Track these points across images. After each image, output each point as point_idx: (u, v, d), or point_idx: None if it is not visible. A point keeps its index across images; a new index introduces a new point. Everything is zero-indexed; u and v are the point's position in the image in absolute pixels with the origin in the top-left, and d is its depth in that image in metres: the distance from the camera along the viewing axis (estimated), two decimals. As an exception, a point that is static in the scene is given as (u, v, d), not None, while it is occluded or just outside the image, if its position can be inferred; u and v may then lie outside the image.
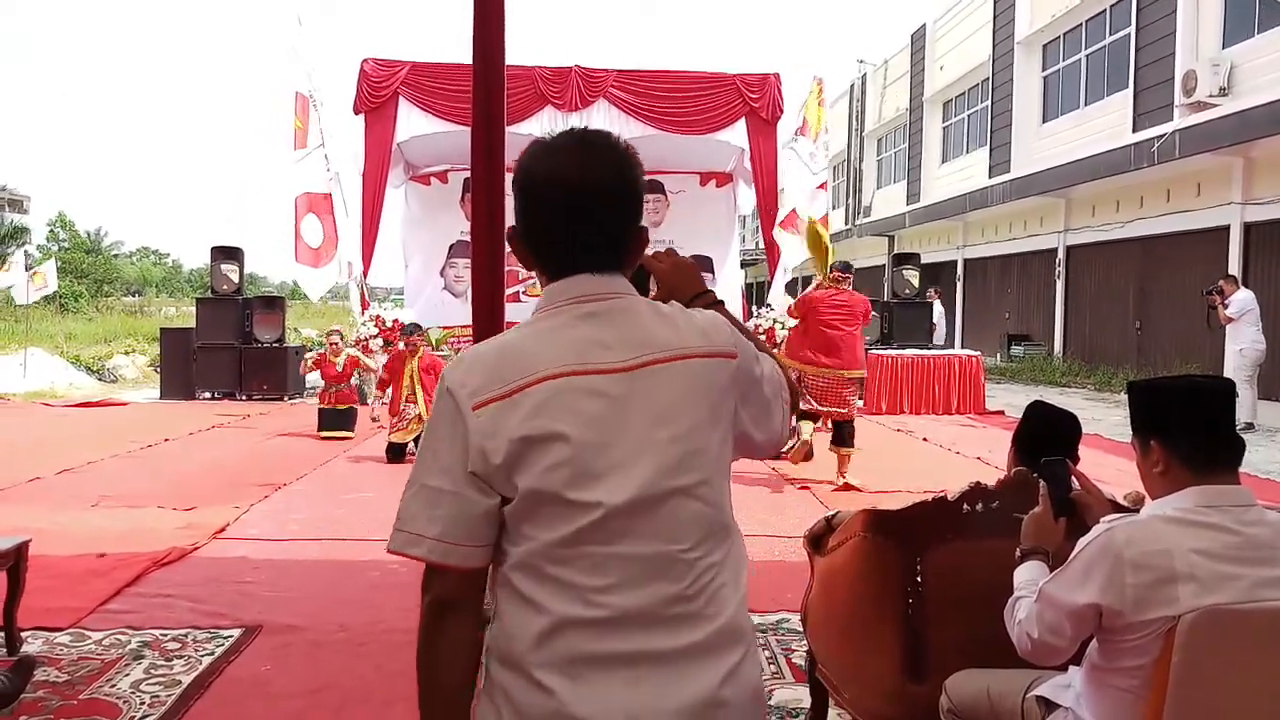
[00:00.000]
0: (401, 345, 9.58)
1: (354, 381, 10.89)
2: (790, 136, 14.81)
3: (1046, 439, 2.49)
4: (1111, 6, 19.14)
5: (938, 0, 27.44)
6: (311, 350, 15.19)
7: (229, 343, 13.83)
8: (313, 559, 5.47)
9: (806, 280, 35.83)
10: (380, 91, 14.62)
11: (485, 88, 4.50)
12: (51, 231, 49.41)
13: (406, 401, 8.92)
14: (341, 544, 5.71)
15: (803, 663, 3.60)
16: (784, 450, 7.65)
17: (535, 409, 1.29)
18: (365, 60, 14.78)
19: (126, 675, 3.69)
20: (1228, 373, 11.73)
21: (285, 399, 13.77)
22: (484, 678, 1.36)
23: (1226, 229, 14.72)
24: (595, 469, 1.29)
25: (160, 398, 14.05)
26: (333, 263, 14.02)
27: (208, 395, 13.83)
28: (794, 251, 14.99)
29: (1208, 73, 14.85)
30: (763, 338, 10.43)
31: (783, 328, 14.31)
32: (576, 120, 14.76)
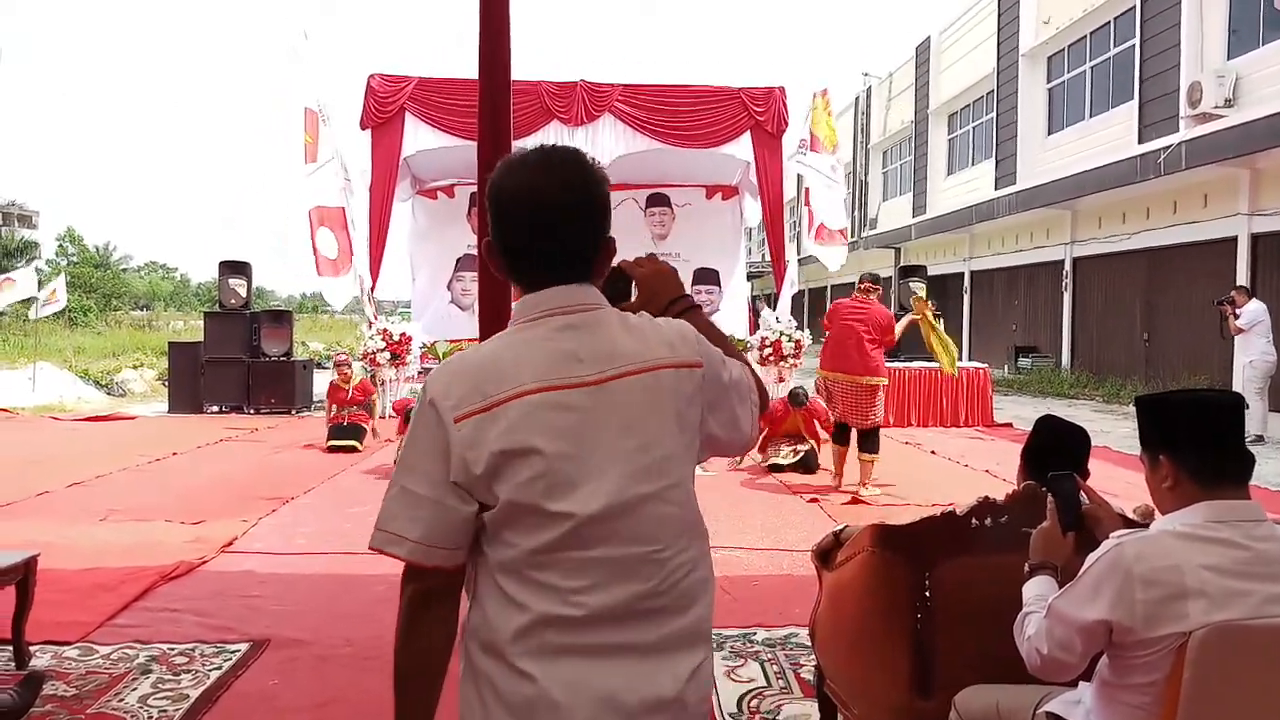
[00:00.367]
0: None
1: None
2: (795, 149, 14.82)
3: (1056, 453, 2.49)
4: (1116, 18, 19.17)
5: (942, 13, 27.51)
6: (320, 363, 15.24)
7: (237, 356, 13.87)
8: (320, 573, 5.47)
9: (818, 293, 35.82)
10: (387, 107, 14.69)
11: (491, 103, 4.52)
12: (60, 246, 49.64)
13: None
14: (349, 558, 5.70)
15: (811, 677, 3.58)
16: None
17: (512, 424, 1.36)
18: (372, 76, 14.85)
19: (134, 690, 3.69)
20: (1237, 385, 11.70)
21: (293, 412, 13.80)
22: (464, 663, 1.44)
23: (1234, 240, 14.70)
24: (569, 480, 1.36)
25: (168, 411, 14.08)
26: (350, 274, 14.10)
27: (215, 409, 13.87)
28: (834, 260, 15.24)
29: (1213, 84, 14.85)
30: (769, 351, 10.51)
31: (789, 340, 14.32)
32: (582, 135, 14.81)
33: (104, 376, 17.35)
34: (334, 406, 10.56)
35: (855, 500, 7.54)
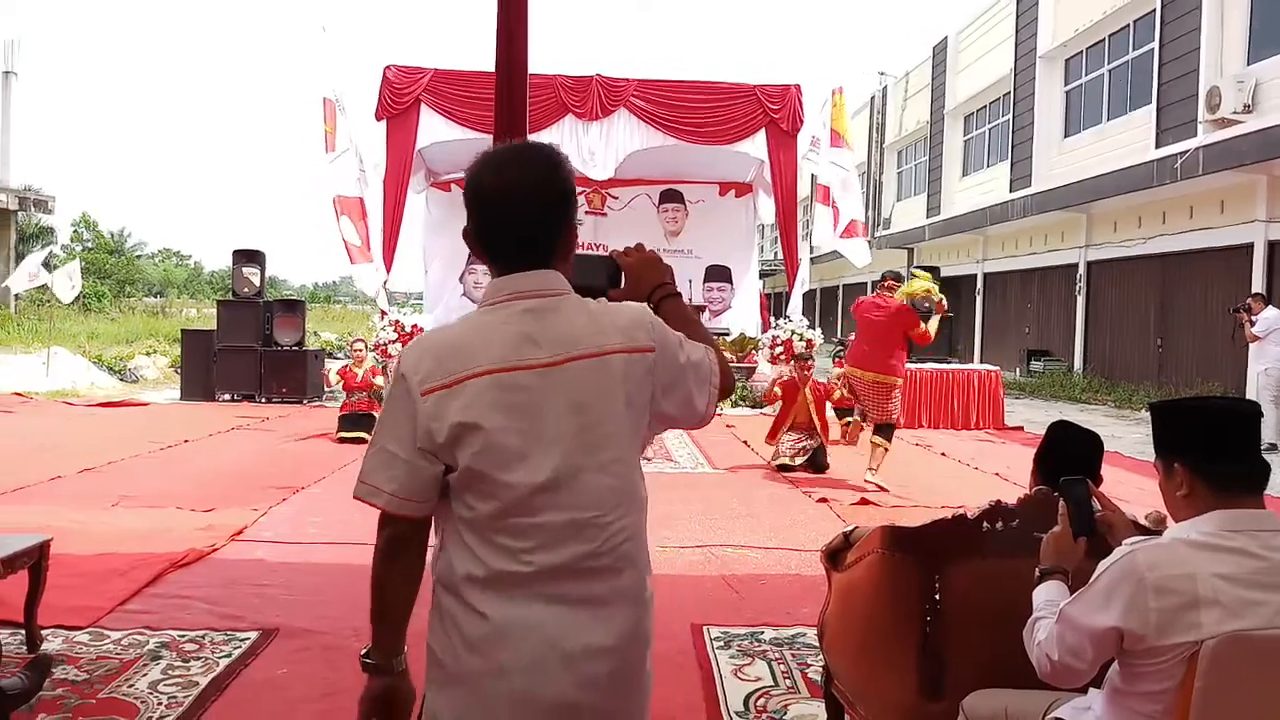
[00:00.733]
0: None
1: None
2: (809, 146, 14.76)
3: (1068, 458, 2.48)
4: (1135, 21, 19.05)
5: (960, 13, 27.41)
6: (332, 353, 15.28)
7: (249, 345, 13.93)
8: (330, 562, 5.49)
9: (830, 292, 35.76)
10: (402, 98, 14.72)
11: (508, 96, 4.53)
12: (76, 232, 49.77)
13: None
14: (359, 548, 5.70)
15: (819, 678, 3.58)
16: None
17: (469, 400, 1.53)
18: (388, 67, 14.89)
19: (144, 675, 3.71)
20: (1251, 392, 11.64)
21: (304, 402, 13.85)
22: (434, 598, 1.63)
23: (1250, 247, 14.62)
24: (518, 452, 1.54)
25: (180, 399, 14.15)
26: (373, 262, 14.19)
27: (227, 397, 13.93)
28: (860, 256, 15.22)
29: (1232, 89, 14.75)
30: (779, 350, 10.48)
31: (801, 339, 14.30)
32: (597, 129, 14.83)
33: (117, 363, 17.43)
34: (346, 394, 10.65)
35: (864, 501, 7.54)
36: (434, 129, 14.92)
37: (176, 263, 66.60)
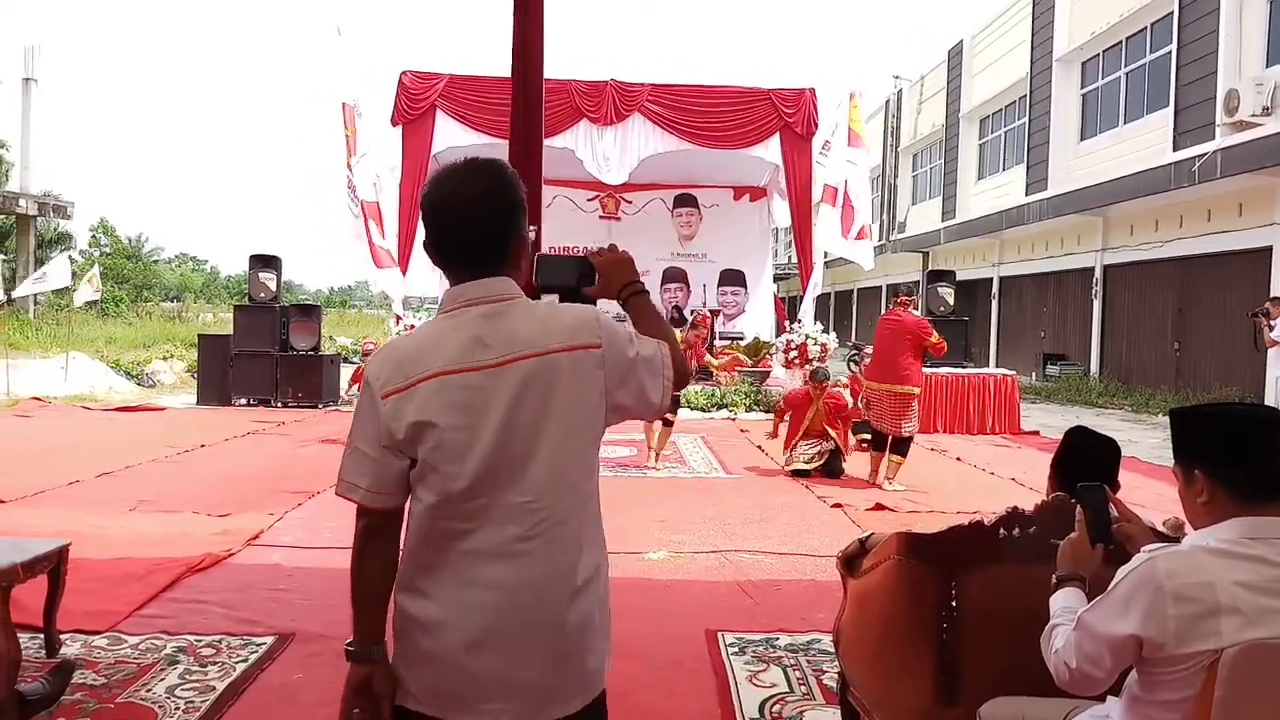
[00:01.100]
0: None
1: None
2: (820, 150, 14.69)
3: (1086, 464, 2.47)
4: (1152, 24, 18.96)
5: (976, 16, 27.32)
6: (347, 358, 15.33)
7: (266, 350, 13.99)
8: (345, 567, 5.44)
9: (844, 296, 35.69)
10: (418, 104, 14.78)
11: (524, 102, 4.55)
12: (94, 237, 50.13)
13: None
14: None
15: (834, 684, 3.58)
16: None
17: (422, 401, 1.68)
18: (404, 73, 14.95)
19: (162, 680, 3.73)
20: (1270, 398, 11.57)
21: (320, 406, 13.90)
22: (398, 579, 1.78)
23: (1269, 250, 14.52)
24: (464, 446, 1.68)
25: (197, 403, 14.23)
26: (395, 267, 14.27)
27: (244, 401, 14.00)
28: (867, 260, 15.21)
29: (1250, 92, 14.65)
30: (794, 354, 10.46)
31: (815, 343, 14.27)
32: (611, 134, 14.84)
33: (134, 367, 17.55)
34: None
35: (879, 507, 7.51)
36: (450, 134, 14.97)
37: (193, 267, 67.01)
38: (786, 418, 9.34)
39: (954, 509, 7.18)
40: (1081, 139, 21.72)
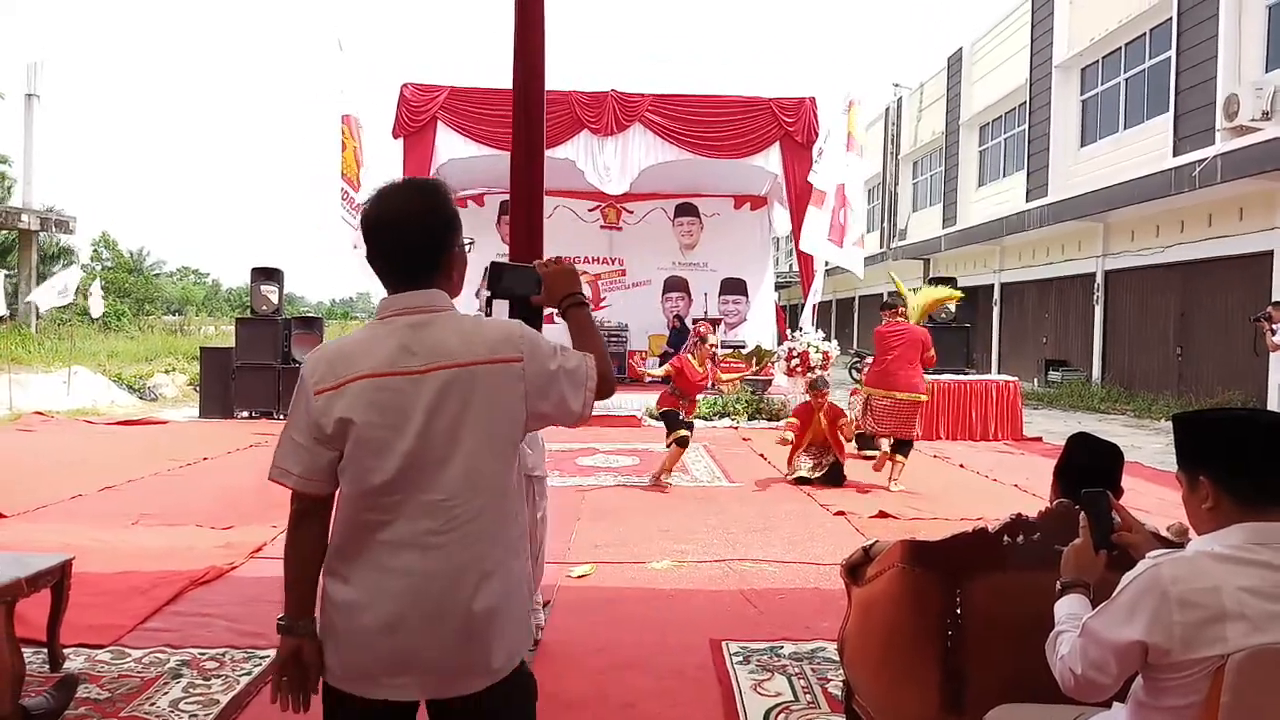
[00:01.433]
0: None
1: None
2: (825, 153, 14.61)
3: (1089, 470, 2.46)
4: (1151, 30, 19.01)
5: (975, 24, 27.39)
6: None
7: (268, 362, 13.99)
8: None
9: (846, 304, 35.68)
10: (419, 116, 14.81)
11: (525, 112, 4.55)
12: (96, 251, 50.23)
13: None
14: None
15: (839, 693, 3.56)
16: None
17: (349, 400, 1.82)
18: (404, 85, 14.99)
19: (165, 694, 3.72)
20: (1273, 402, 11.55)
21: (322, 419, 13.86)
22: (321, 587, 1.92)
23: (1270, 254, 14.52)
24: (385, 443, 1.82)
25: (199, 416, 14.23)
26: None
27: (246, 414, 14.00)
28: (861, 265, 15.18)
29: (1250, 97, 14.68)
30: (795, 362, 10.41)
31: (816, 350, 14.25)
32: (612, 145, 14.86)
33: (137, 381, 17.55)
34: None
35: (883, 514, 7.50)
36: (451, 146, 15.00)
37: (195, 281, 67.13)
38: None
39: (957, 516, 7.18)
40: (1082, 145, 21.75)
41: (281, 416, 13.90)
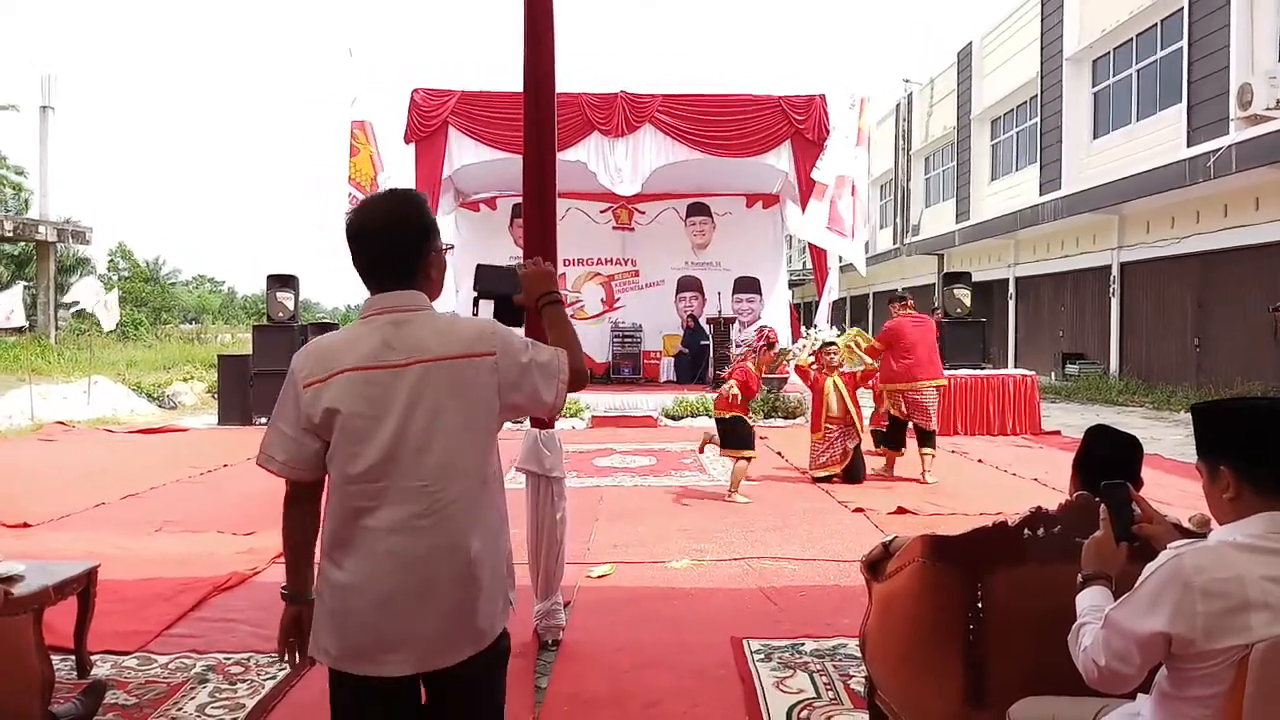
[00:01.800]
0: None
1: None
2: (838, 147, 14.54)
3: (1108, 463, 2.46)
4: (1163, 20, 18.91)
5: (984, 18, 27.31)
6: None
7: (285, 369, 13.90)
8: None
9: (860, 300, 35.54)
10: (430, 121, 14.85)
11: (536, 115, 4.57)
12: (112, 261, 50.59)
13: None
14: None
15: (861, 689, 3.57)
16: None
17: (335, 392, 1.97)
18: (415, 90, 15.03)
19: (192, 699, 3.76)
20: (1292, 391, 11.46)
21: (339, 424, 13.92)
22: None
23: (1287, 243, 14.43)
24: (367, 432, 1.96)
25: (218, 423, 14.32)
26: None
27: (264, 420, 14.02)
28: (859, 259, 15.11)
29: (1264, 85, 14.58)
30: (810, 360, 10.49)
31: (831, 345, 14.19)
32: (623, 146, 14.86)
33: (156, 389, 17.66)
34: None
35: (902, 510, 7.49)
36: (462, 150, 15.04)
37: (211, 289, 67.54)
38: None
39: (977, 511, 7.15)
40: (1094, 137, 21.65)
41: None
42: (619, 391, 15.88)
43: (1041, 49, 23.03)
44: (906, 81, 33.52)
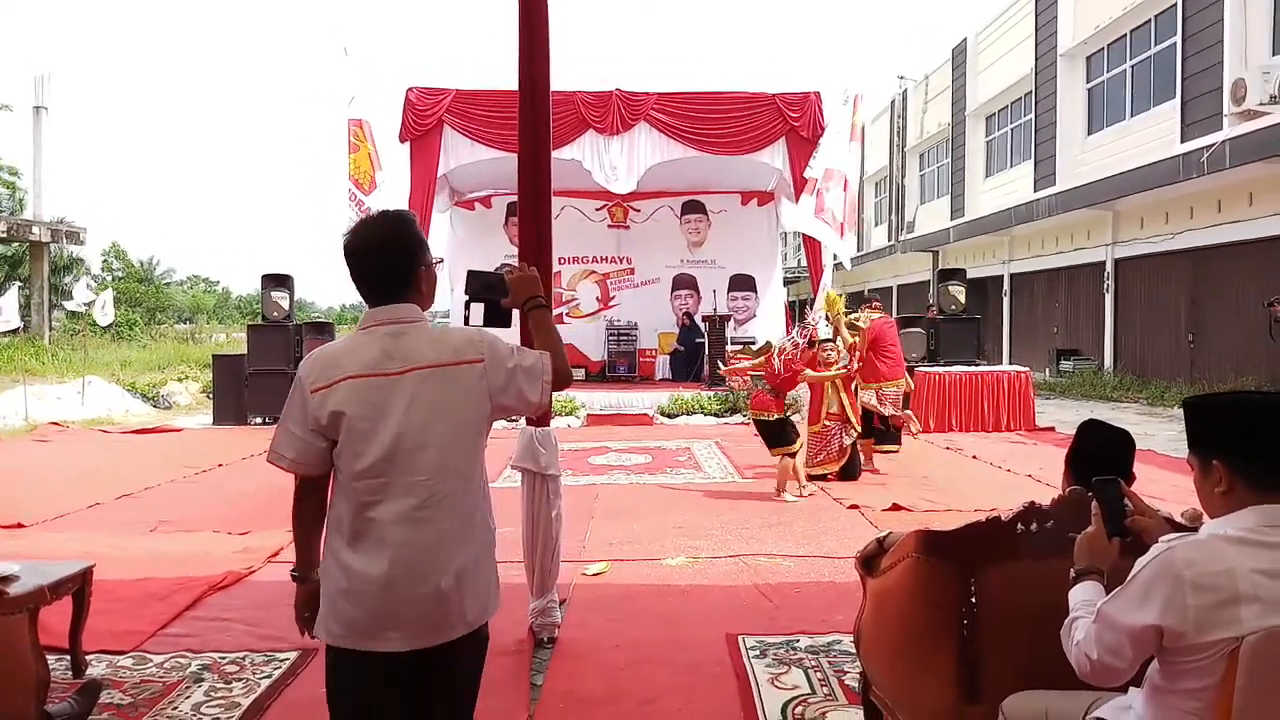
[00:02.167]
0: None
1: None
2: (820, 147, 14.46)
3: (1100, 458, 2.47)
4: (1156, 16, 18.94)
5: (979, 14, 27.32)
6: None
7: (280, 368, 14.00)
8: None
9: (854, 298, 35.65)
10: (425, 119, 14.81)
11: (531, 114, 4.57)
12: (106, 262, 50.44)
13: None
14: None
15: (856, 685, 3.58)
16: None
17: (340, 397, 2.18)
18: (410, 89, 14.99)
19: (187, 698, 3.76)
20: (1286, 386, 11.49)
21: (334, 423, 13.90)
22: (325, 546, 2.29)
23: (1280, 239, 14.46)
24: (370, 433, 2.17)
25: (213, 423, 14.30)
26: None
27: (259, 420, 14.05)
28: (846, 253, 15.00)
29: (1258, 81, 14.61)
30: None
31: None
32: (618, 144, 14.84)
33: (150, 389, 17.62)
34: None
35: (896, 507, 7.50)
36: (457, 149, 15.00)
37: (205, 289, 67.38)
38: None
39: (971, 507, 7.16)
40: (1089, 133, 21.67)
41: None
42: (614, 389, 15.88)
43: (1036, 45, 23.05)
44: (901, 78, 33.54)
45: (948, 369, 13.16)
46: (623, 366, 17.70)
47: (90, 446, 11.87)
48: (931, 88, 31.21)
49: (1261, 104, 14.48)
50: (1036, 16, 22.96)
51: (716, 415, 14.15)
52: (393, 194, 14.28)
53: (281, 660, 4.16)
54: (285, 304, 14.56)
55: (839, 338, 9.01)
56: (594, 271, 18.95)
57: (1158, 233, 17.86)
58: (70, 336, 24.68)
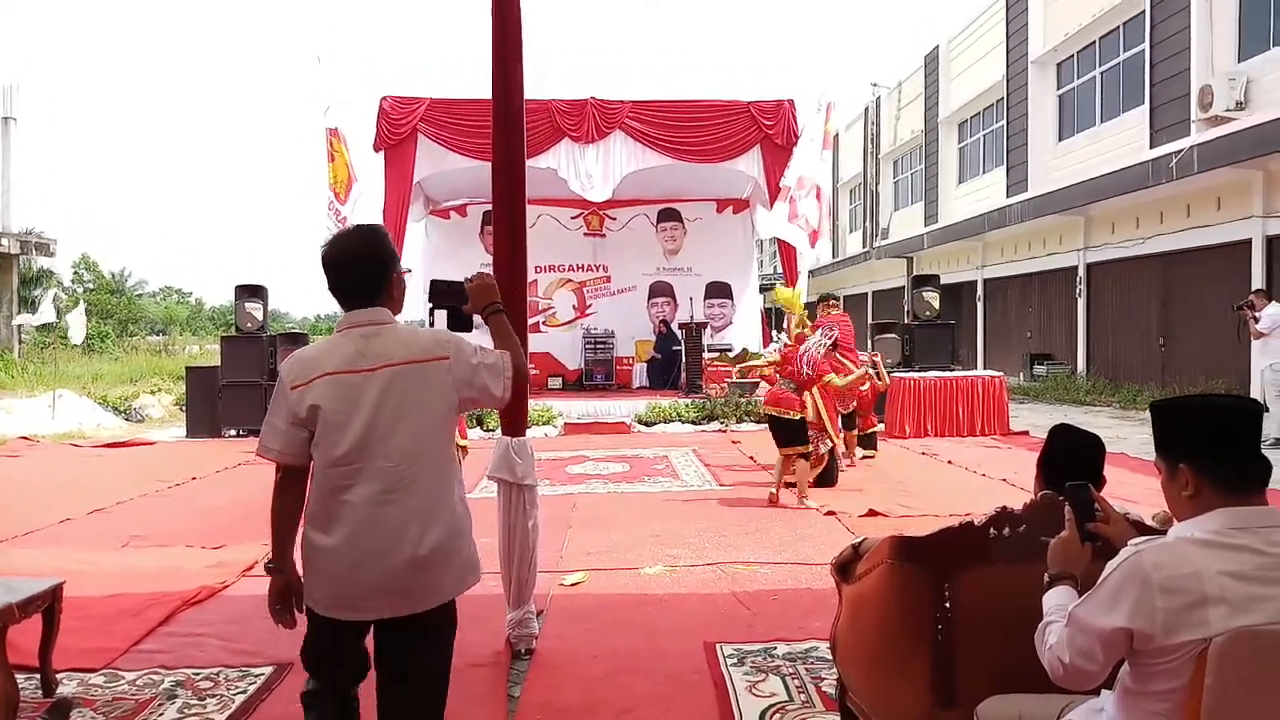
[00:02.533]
0: None
1: None
2: (794, 157, 14.54)
3: (1070, 463, 2.49)
4: (1124, 24, 19.16)
5: (950, 22, 27.55)
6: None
7: (254, 380, 13.90)
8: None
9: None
10: (399, 128, 14.78)
11: (505, 123, 4.57)
12: (77, 274, 49.82)
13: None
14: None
15: (833, 691, 3.58)
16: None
17: (318, 392, 2.45)
18: (384, 98, 14.95)
19: (161, 715, 3.71)
20: (1256, 390, 11.63)
21: (310, 435, 13.80)
22: (303, 530, 2.53)
23: (1248, 243, 14.64)
24: (343, 424, 2.43)
25: (186, 436, 14.16)
26: None
27: (233, 432, 13.93)
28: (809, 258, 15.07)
29: (1224, 87, 14.82)
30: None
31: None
32: (593, 152, 14.84)
33: (122, 402, 17.43)
34: None
35: (872, 513, 7.53)
36: (432, 158, 14.98)
37: (177, 300, 66.75)
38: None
39: (946, 512, 7.20)
40: (1060, 139, 21.89)
41: (269, 434, 13.84)
42: (591, 398, 15.87)
43: (1007, 52, 23.28)
44: (874, 85, 33.76)
45: (923, 374, 13.23)
46: (600, 375, 17.69)
47: (61, 461, 11.73)
48: (904, 95, 31.43)
49: (1228, 110, 14.69)
50: (1008, 24, 23.19)
51: (694, 423, 14.16)
52: (368, 203, 14.23)
53: (256, 675, 4.12)
54: (259, 315, 14.44)
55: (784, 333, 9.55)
56: (570, 280, 18.95)
57: (1129, 237, 18.04)
58: (40, 350, 24.38)
